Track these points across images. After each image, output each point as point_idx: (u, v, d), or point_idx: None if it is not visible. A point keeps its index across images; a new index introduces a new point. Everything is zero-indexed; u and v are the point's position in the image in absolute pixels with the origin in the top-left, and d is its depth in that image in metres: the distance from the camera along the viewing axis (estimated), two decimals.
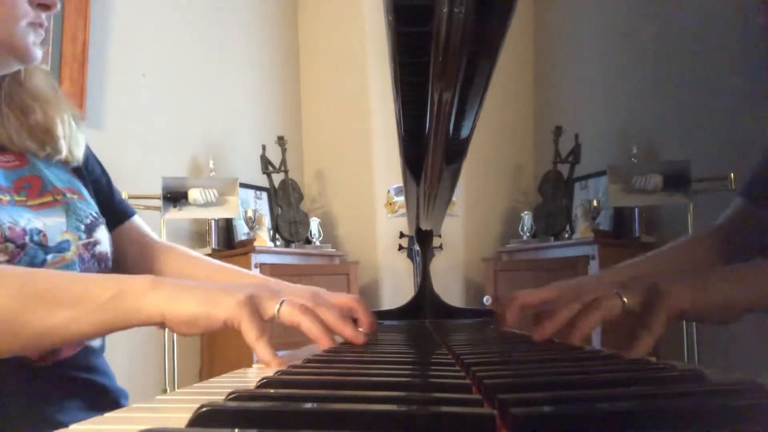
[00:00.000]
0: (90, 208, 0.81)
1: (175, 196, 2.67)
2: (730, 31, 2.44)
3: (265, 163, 3.10)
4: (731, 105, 2.41)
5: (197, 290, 0.57)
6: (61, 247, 0.73)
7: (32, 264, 0.69)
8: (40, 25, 0.75)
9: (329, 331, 0.62)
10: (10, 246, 0.67)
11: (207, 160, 2.97)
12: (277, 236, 3.08)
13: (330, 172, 3.54)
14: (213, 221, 2.90)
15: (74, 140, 0.83)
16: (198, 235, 2.96)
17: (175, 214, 2.69)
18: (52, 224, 0.74)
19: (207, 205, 2.73)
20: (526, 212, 3.26)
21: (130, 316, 0.56)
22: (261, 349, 0.56)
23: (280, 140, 3.12)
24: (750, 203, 0.90)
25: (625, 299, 0.61)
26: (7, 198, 0.71)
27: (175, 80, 2.91)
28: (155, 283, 0.57)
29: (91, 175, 0.90)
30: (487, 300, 2.91)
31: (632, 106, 3.04)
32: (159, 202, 2.58)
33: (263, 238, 2.96)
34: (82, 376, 0.77)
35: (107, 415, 0.35)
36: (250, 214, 2.96)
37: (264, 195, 3.20)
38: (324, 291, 0.81)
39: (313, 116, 3.63)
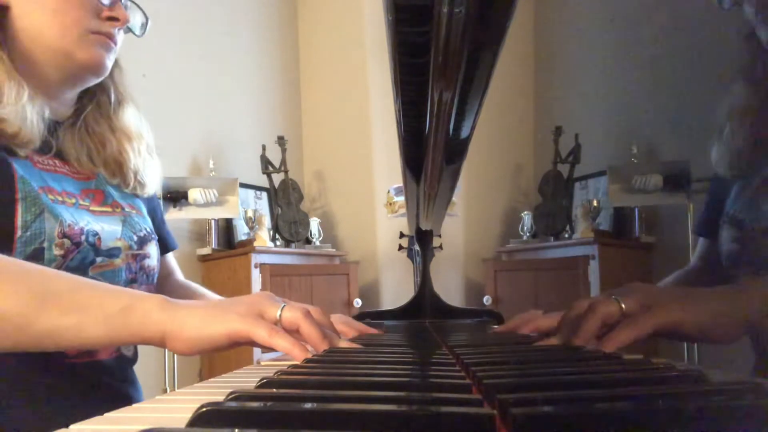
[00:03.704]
0: (145, 223, 0.87)
1: (175, 196, 2.67)
2: (730, 30, 2.44)
3: (265, 163, 3.10)
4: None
5: (200, 311, 0.58)
6: (112, 253, 0.78)
7: (83, 263, 0.73)
8: (108, 37, 0.79)
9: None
10: (67, 242, 0.71)
11: (207, 160, 2.97)
12: (277, 236, 3.07)
13: (330, 172, 3.54)
14: (213, 221, 2.90)
15: (146, 174, 0.88)
16: (198, 235, 2.96)
17: (175, 214, 2.69)
18: (108, 229, 0.78)
19: (207, 205, 2.73)
20: (526, 212, 3.26)
21: (134, 332, 0.56)
22: (279, 341, 0.55)
23: (280, 140, 3.12)
24: (709, 240, 0.95)
25: (623, 305, 0.61)
26: (72, 201, 0.77)
27: (175, 80, 2.91)
28: (163, 303, 0.57)
29: (150, 201, 0.95)
30: (487, 300, 2.91)
31: (632, 106, 3.04)
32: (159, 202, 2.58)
33: (263, 238, 2.96)
34: (116, 385, 0.80)
35: (107, 415, 0.35)
36: (250, 214, 2.96)
37: (264, 195, 3.20)
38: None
39: (313, 116, 3.63)
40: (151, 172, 0.89)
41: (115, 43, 0.81)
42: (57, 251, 0.70)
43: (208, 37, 3.14)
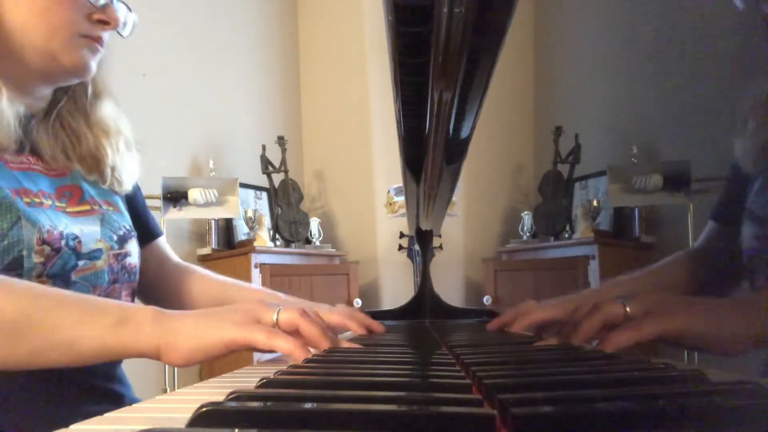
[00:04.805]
0: (124, 220, 0.83)
1: (175, 196, 2.67)
2: (731, 30, 2.44)
3: (265, 163, 3.10)
4: (731, 105, 2.41)
5: (194, 321, 0.57)
6: (93, 255, 0.75)
7: (64, 269, 0.71)
8: (96, 40, 0.76)
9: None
10: (47, 248, 0.68)
11: (207, 160, 2.97)
12: (277, 236, 3.07)
13: (330, 172, 3.54)
14: (213, 221, 2.90)
15: (124, 171, 0.85)
16: (198, 235, 2.96)
17: (175, 214, 2.69)
18: (87, 231, 0.75)
19: (207, 205, 2.73)
20: (526, 212, 3.26)
21: (127, 346, 0.55)
22: (280, 343, 0.55)
23: (280, 140, 3.12)
24: (721, 226, 0.95)
25: (628, 308, 0.61)
26: (49, 203, 0.73)
27: (175, 80, 2.90)
28: (156, 315, 0.56)
29: (127, 193, 0.92)
30: (487, 300, 2.90)
31: (632, 106, 3.04)
32: (159, 202, 2.58)
33: (263, 238, 2.96)
34: (102, 385, 0.79)
35: (107, 415, 0.35)
36: (250, 214, 2.96)
37: (264, 195, 3.19)
38: (324, 306, 0.84)
39: (313, 116, 3.63)
40: (129, 168, 0.86)
41: (102, 46, 0.78)
42: (37, 258, 0.67)
43: (208, 37, 3.14)
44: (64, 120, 0.81)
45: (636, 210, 2.82)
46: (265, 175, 3.13)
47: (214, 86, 3.12)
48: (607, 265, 2.65)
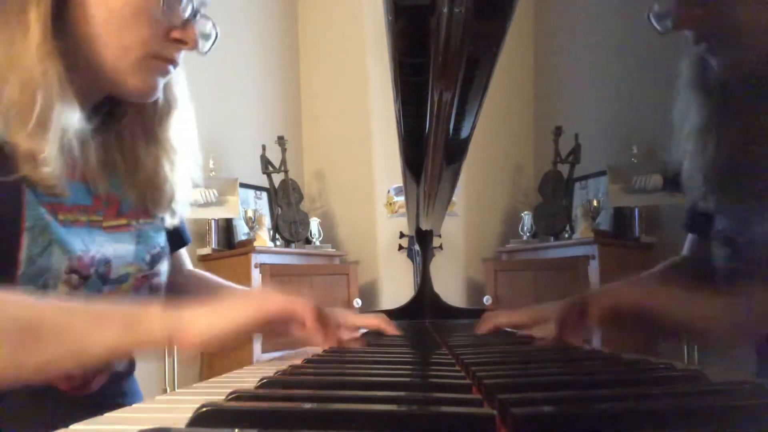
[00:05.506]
0: (159, 236, 0.77)
1: None
2: None
3: (265, 163, 3.10)
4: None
5: (206, 308, 0.57)
6: (120, 279, 0.70)
7: (88, 296, 0.66)
8: (169, 62, 0.68)
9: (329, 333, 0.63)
10: (74, 278, 0.64)
11: (207, 160, 2.97)
12: (277, 236, 3.07)
13: (330, 172, 3.54)
14: (213, 221, 2.90)
15: (180, 201, 0.77)
16: (198, 235, 2.96)
17: None
18: (122, 252, 0.70)
19: (207, 205, 2.73)
20: (526, 212, 3.26)
21: (140, 343, 0.55)
22: (317, 333, 0.56)
23: (280, 140, 3.12)
24: (694, 236, 0.98)
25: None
26: (83, 218, 0.67)
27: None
28: (166, 309, 0.56)
29: None
30: (487, 300, 2.91)
31: (632, 106, 3.04)
32: None
33: (263, 238, 2.96)
34: (111, 402, 0.75)
35: (107, 415, 0.35)
36: (250, 214, 2.96)
37: (264, 195, 3.20)
38: (350, 313, 0.83)
39: (313, 116, 3.63)
40: (185, 197, 0.78)
41: (175, 68, 0.70)
42: (63, 288, 0.63)
43: None
44: (123, 140, 0.72)
45: (636, 210, 2.83)
46: (265, 175, 3.13)
47: (214, 86, 3.12)
48: (607, 265, 2.65)
